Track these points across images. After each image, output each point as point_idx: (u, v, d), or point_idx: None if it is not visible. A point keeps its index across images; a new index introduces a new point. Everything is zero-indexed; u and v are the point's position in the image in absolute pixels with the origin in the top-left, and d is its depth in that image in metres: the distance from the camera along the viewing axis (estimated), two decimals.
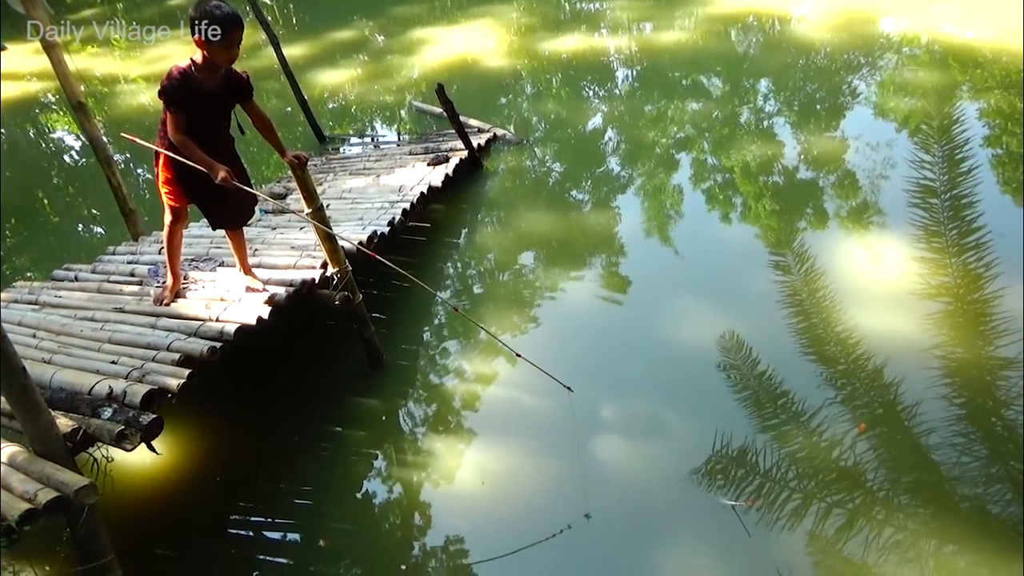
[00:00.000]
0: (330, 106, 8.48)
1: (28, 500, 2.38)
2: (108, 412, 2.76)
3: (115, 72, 10.67)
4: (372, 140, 7.32)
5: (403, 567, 3.18)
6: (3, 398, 2.88)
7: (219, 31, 3.09)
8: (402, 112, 8.01)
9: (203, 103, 3.27)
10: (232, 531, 3.54)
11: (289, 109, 8.51)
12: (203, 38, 3.09)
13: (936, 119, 5.92)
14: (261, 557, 3.37)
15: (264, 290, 3.63)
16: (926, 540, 2.85)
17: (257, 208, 4.94)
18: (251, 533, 3.54)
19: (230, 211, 3.68)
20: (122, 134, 4.02)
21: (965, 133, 5.62)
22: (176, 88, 3.17)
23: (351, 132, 7.69)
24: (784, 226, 4.99)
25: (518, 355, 3.58)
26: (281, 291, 3.60)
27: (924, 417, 3.33)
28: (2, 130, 9.31)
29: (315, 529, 3.41)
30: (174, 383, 2.92)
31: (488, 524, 3.28)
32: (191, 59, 3.21)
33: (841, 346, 3.83)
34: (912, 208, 4.79)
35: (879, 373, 3.62)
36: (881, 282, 4.25)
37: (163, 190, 3.51)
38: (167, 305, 3.64)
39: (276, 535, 3.48)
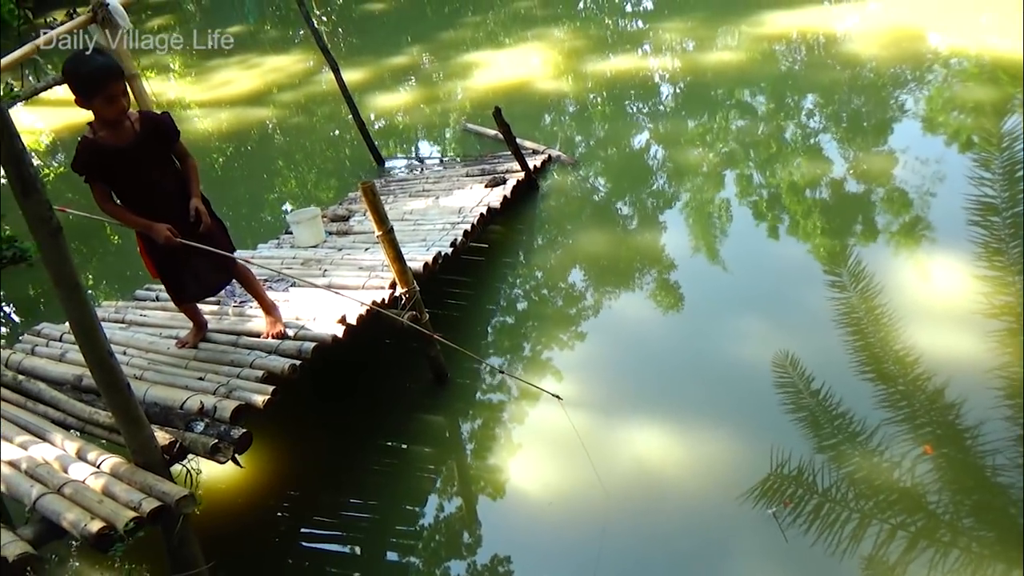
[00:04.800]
0: (378, 126, 8.69)
1: (133, 508, 2.55)
2: (200, 426, 2.94)
3: (172, 97, 11.08)
4: (438, 162, 7.38)
5: None
6: (102, 412, 3.09)
7: (90, 90, 2.87)
8: (448, 133, 8.19)
9: (122, 162, 3.01)
10: (302, 544, 3.67)
11: (336, 131, 8.79)
12: (80, 98, 2.90)
13: (995, 135, 5.87)
14: (329, 569, 3.49)
15: (287, 335, 3.54)
16: (992, 564, 2.85)
17: (323, 230, 5.17)
18: (319, 546, 3.67)
19: (203, 268, 3.38)
20: (56, 208, 3.86)
21: None
22: (84, 160, 2.96)
23: (407, 155, 7.89)
24: (838, 243, 4.99)
25: (501, 371, 3.96)
26: (354, 310, 3.75)
27: (987, 438, 3.33)
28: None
29: (380, 544, 3.52)
30: (259, 399, 3.08)
31: (556, 544, 3.31)
32: (88, 123, 3.01)
33: (900, 365, 3.83)
34: (972, 226, 4.76)
35: (940, 393, 3.62)
36: (941, 301, 4.23)
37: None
38: (190, 348, 3.60)
39: (343, 549, 3.60)
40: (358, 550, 3.57)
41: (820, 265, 4.83)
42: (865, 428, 3.50)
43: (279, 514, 3.81)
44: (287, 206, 7.53)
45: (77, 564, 3.69)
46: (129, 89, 4.72)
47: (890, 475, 3.26)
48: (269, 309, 3.65)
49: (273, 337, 3.55)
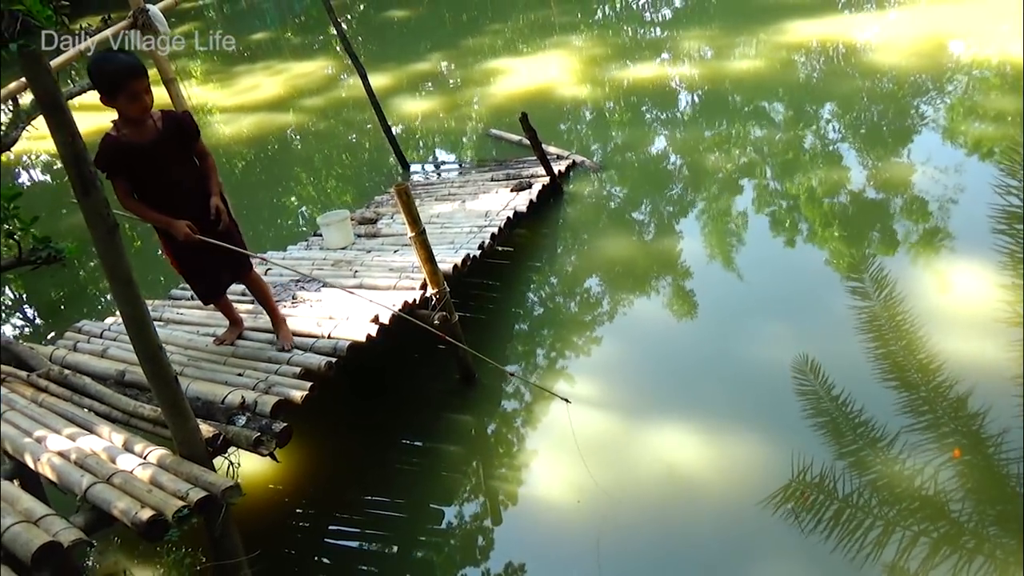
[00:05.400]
0: (399, 131, 8.79)
1: (181, 498, 2.63)
2: (242, 420, 3.03)
3: (195, 103, 11.25)
4: (463, 166, 7.47)
5: None
6: (146, 406, 3.19)
7: (113, 88, 2.94)
8: (469, 138, 8.28)
9: (144, 160, 3.07)
10: (329, 540, 3.73)
11: (355, 137, 8.90)
12: (104, 96, 2.97)
13: (1020, 144, 5.87)
14: (354, 566, 3.55)
15: (293, 349, 3.58)
16: (1016, 573, 2.86)
17: (352, 233, 5.26)
18: (346, 543, 3.73)
19: (223, 265, 3.45)
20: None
21: None
22: (107, 157, 3.02)
23: (429, 159, 8.00)
24: (859, 250, 5.03)
25: (511, 374, 4.03)
26: (386, 310, 3.82)
27: (1011, 446, 3.34)
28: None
29: (406, 542, 3.58)
30: (298, 395, 3.17)
31: (580, 544, 3.35)
32: (112, 120, 3.08)
33: (922, 372, 3.86)
34: (997, 235, 4.77)
35: (963, 401, 3.64)
36: (965, 308, 4.26)
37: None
38: (228, 345, 3.70)
39: (369, 546, 3.66)
40: (384, 547, 3.62)
41: (841, 272, 4.86)
42: (887, 435, 3.53)
43: (306, 510, 3.88)
44: (305, 209, 7.64)
45: (131, 554, 3.76)
46: (168, 91, 4.88)
47: (912, 482, 3.28)
48: (279, 323, 3.72)
49: (282, 350, 3.60)
